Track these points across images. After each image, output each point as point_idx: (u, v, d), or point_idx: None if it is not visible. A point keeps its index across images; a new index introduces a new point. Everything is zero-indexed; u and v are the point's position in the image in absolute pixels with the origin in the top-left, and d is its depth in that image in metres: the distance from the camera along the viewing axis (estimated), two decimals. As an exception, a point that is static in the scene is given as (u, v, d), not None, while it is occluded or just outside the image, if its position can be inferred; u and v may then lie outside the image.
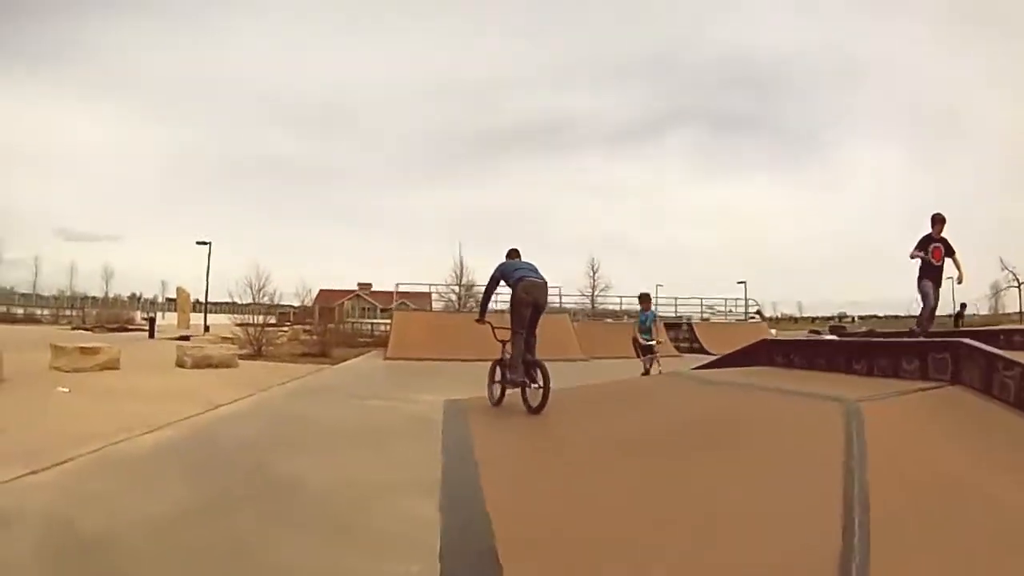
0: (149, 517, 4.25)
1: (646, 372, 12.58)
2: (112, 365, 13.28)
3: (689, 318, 31.63)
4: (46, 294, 59.88)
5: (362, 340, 27.07)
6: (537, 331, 8.75)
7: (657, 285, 38.48)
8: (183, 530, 4.08)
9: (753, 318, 34.31)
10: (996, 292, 62.48)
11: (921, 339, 8.66)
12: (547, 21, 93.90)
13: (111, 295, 64.43)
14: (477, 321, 9.38)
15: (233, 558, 3.67)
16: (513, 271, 8.78)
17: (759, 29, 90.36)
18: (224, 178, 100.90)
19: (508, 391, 8.74)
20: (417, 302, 36.94)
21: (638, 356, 13.35)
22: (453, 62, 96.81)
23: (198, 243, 37.83)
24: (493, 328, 8.93)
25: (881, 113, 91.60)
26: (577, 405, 8.32)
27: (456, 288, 31.67)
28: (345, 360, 18.93)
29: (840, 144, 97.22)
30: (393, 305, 28.88)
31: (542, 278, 8.84)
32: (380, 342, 27.29)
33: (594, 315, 34.65)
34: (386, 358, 20.43)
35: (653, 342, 13.40)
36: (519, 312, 8.54)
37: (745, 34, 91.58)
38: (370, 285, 65.68)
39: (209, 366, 14.39)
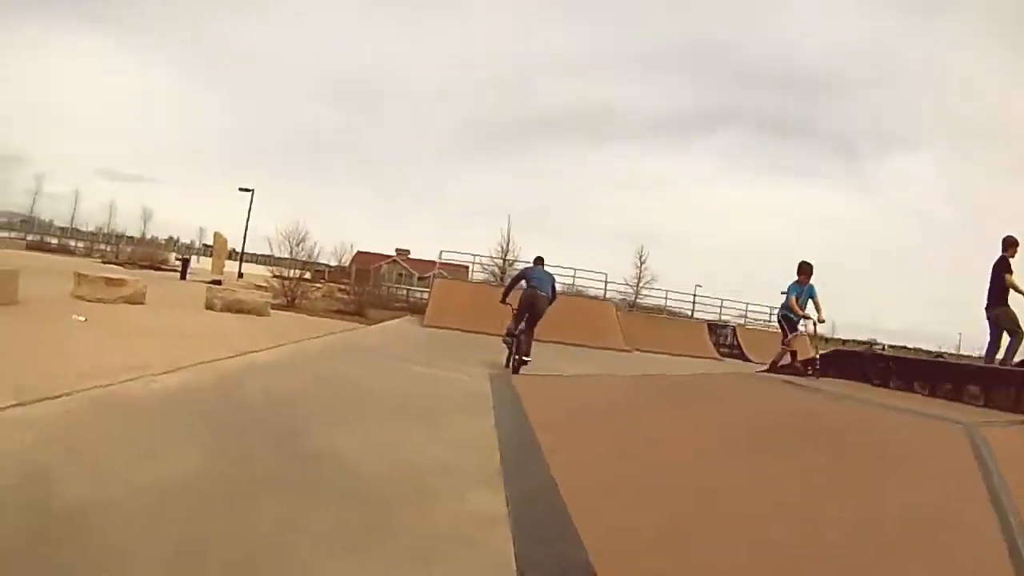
0: (136, 487, 3.19)
1: (790, 364, 10.69)
2: (137, 299, 12.32)
3: (726, 322, 30.20)
4: (85, 230, 59.85)
5: (397, 304, 26.10)
6: (536, 328, 11.27)
7: (696, 285, 37.44)
8: (177, 514, 3.00)
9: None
10: None
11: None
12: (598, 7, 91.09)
13: (148, 236, 64.19)
14: (501, 302, 11.66)
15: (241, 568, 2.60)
16: (532, 277, 11.37)
17: (810, 29, 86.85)
18: (269, 138, 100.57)
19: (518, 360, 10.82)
20: (454, 275, 35.86)
21: (784, 339, 11.62)
22: (499, 47, 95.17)
23: (241, 189, 36.96)
24: (513, 309, 11.30)
25: (925, 122, 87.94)
26: (649, 394, 7.64)
27: (500, 262, 30.24)
28: (380, 322, 17.91)
29: (886, 156, 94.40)
30: (434, 272, 27.74)
31: (547, 291, 11.23)
32: (415, 308, 26.57)
33: (639, 307, 33.04)
34: (424, 324, 19.46)
35: (808, 322, 11.35)
36: (521, 307, 11.14)
37: (793, 34, 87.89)
38: (408, 252, 64.86)
39: (240, 311, 13.40)
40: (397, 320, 19.88)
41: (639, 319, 26.33)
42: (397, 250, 63.79)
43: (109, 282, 12.14)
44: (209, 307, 13.46)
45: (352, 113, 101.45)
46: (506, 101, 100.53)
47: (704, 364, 20.54)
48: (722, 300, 30.00)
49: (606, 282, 28.54)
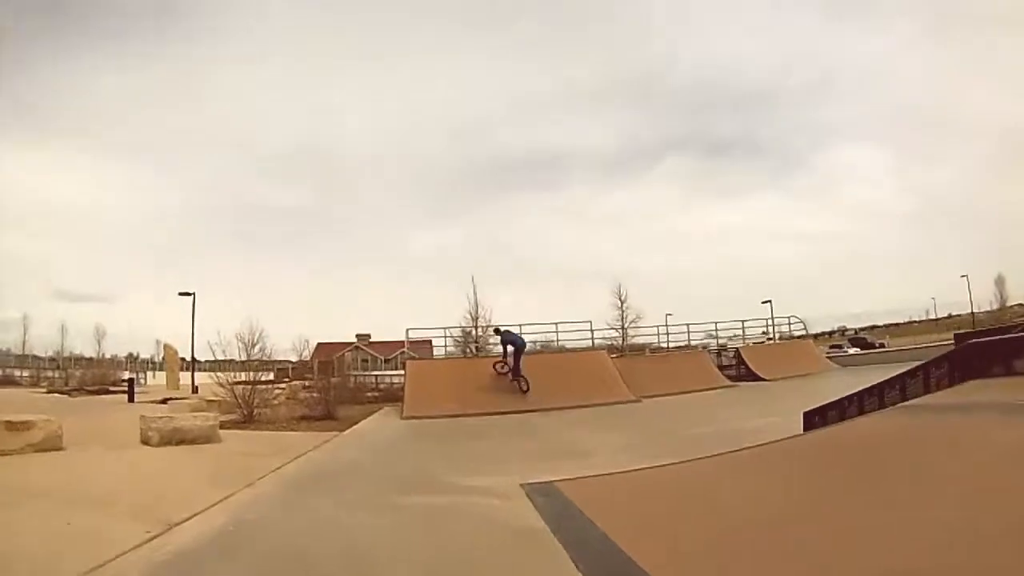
0: None
1: None
2: (50, 444, 9.67)
3: (724, 346, 28.07)
4: (42, 355, 56.13)
5: (368, 395, 23.32)
6: (523, 371, 18.64)
7: (667, 315, 35.19)
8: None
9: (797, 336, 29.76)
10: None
11: None
12: (521, 56, 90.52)
13: (107, 355, 60.54)
14: (496, 363, 19.27)
15: None
16: (510, 340, 19.41)
17: (732, 49, 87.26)
18: (216, 236, 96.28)
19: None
20: (420, 351, 33.12)
21: None
22: (432, 102, 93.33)
23: (180, 294, 34.13)
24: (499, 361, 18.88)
25: (864, 120, 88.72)
26: (773, 483, 5.58)
27: (472, 330, 27.48)
28: (355, 423, 15.17)
29: (824, 156, 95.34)
30: (402, 353, 25.10)
31: (521, 342, 19.57)
32: (389, 396, 23.99)
33: (629, 348, 30.53)
34: (403, 417, 16.72)
35: None
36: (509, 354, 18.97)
37: (719, 55, 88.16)
38: (369, 336, 62.27)
39: (182, 442, 10.73)
40: (373, 416, 17.11)
41: (637, 362, 23.78)
42: (358, 335, 60.92)
43: (10, 427, 9.46)
44: (145, 441, 10.76)
45: (293, 195, 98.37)
46: (448, 158, 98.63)
47: (722, 395, 18.95)
48: (716, 324, 27.78)
49: (592, 330, 25.49)
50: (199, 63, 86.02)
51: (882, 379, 8.43)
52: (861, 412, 8.10)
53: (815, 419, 9.09)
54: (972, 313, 59.05)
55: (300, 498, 7.07)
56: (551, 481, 7.47)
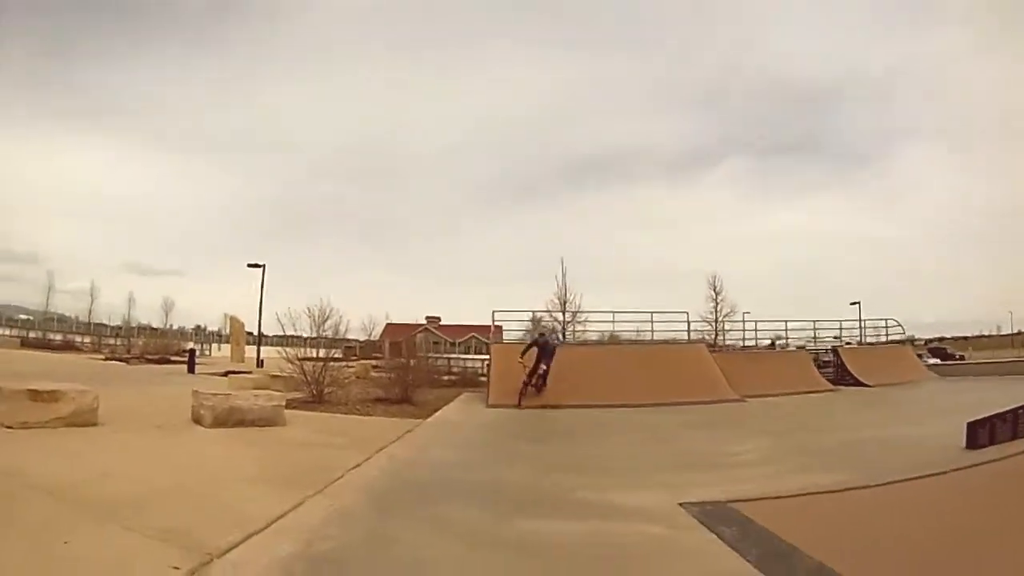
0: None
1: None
2: (83, 419, 7.82)
3: (823, 347, 25.03)
4: (110, 324, 56.18)
5: (444, 379, 21.33)
6: (552, 365, 15.21)
7: (744, 313, 32.06)
8: None
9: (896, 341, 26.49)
10: None
11: None
12: (583, 58, 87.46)
13: (173, 326, 60.42)
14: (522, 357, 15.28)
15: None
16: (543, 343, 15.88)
17: (800, 52, 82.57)
18: (285, 218, 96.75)
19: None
20: (488, 335, 30.96)
21: None
22: (501, 100, 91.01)
23: (250, 266, 32.47)
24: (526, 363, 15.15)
25: (932, 124, 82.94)
26: None
27: (560, 315, 25.05)
28: (436, 409, 13.12)
29: (895, 160, 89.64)
30: (475, 338, 23.02)
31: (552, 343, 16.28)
32: (465, 381, 22.10)
33: (720, 346, 27.15)
34: (489, 404, 14.67)
35: None
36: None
37: (785, 58, 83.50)
38: (439, 319, 60.17)
39: (240, 423, 8.76)
40: (454, 403, 15.03)
41: (736, 359, 20.95)
42: (427, 318, 59.16)
43: (36, 397, 7.60)
44: (196, 420, 8.84)
45: (364, 182, 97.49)
46: (515, 155, 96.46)
47: (831, 399, 16.83)
48: (815, 323, 24.75)
49: (688, 322, 22.35)
50: (271, 61, 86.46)
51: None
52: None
53: (979, 431, 7.84)
54: None
55: (389, 520, 4.83)
56: (725, 502, 5.50)
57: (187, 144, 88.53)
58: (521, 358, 14.82)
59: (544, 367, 14.98)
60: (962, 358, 39.68)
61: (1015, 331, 65.97)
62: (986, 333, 69.13)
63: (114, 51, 79.96)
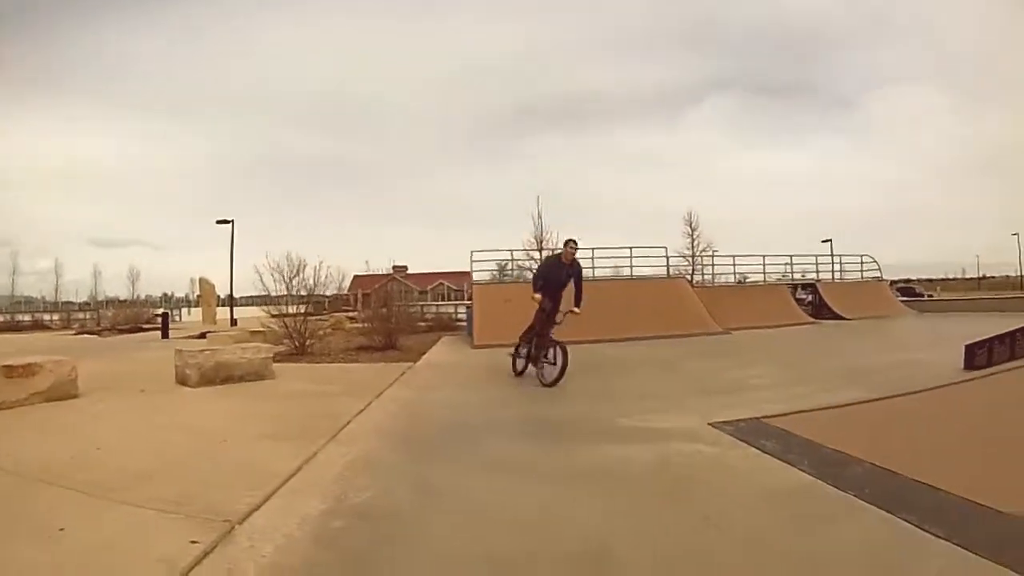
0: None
1: None
2: (62, 392, 7.19)
3: (799, 282, 25.17)
4: (75, 300, 54.39)
5: (422, 325, 20.93)
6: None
7: (713, 251, 31.84)
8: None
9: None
10: None
11: None
12: None
13: (141, 296, 58.88)
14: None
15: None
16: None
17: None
18: (250, 175, 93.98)
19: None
20: (457, 282, 30.38)
21: None
22: (477, 41, 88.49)
23: (218, 222, 31.29)
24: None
25: (915, 65, 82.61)
26: None
27: (537, 254, 24.22)
28: (422, 352, 12.72)
29: (874, 102, 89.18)
30: (469, 283, 22.50)
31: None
32: (442, 325, 21.83)
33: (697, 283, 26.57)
34: (475, 345, 14.25)
35: None
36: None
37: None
38: (405, 268, 59.68)
39: (228, 380, 8.23)
40: (437, 346, 14.62)
41: (717, 293, 20.69)
42: (395, 267, 58.37)
43: (9, 372, 6.93)
44: (182, 381, 8.26)
45: (332, 134, 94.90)
46: (483, 98, 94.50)
47: (815, 330, 17.08)
48: (791, 257, 24.44)
49: (667, 256, 21.09)
50: (229, 14, 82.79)
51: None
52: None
53: (977, 352, 8.02)
54: (1022, 275, 56.02)
55: (422, 465, 4.41)
56: (758, 418, 5.51)
57: (146, 104, 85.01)
58: (536, 294, 8.86)
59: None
60: (930, 296, 40.31)
61: (981, 275, 67.66)
62: (951, 276, 70.89)
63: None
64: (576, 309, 8.78)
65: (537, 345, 8.72)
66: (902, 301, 25.53)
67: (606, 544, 2.90)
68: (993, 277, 65.65)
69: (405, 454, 4.70)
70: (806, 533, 2.94)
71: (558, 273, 8.87)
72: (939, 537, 2.78)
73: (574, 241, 8.83)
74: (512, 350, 9.49)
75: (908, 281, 55.11)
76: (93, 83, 78.42)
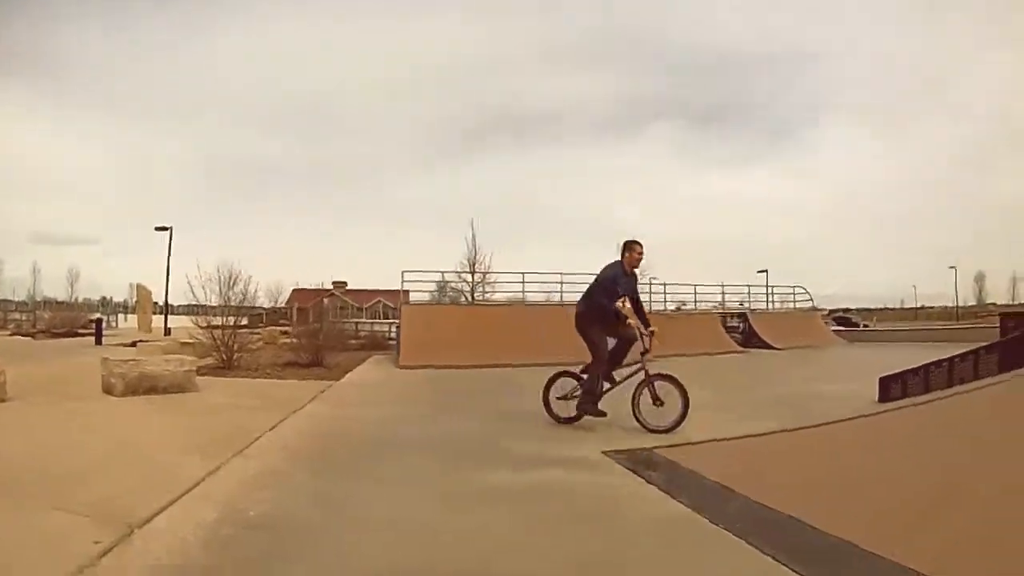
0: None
1: None
2: (-12, 396, 7.38)
3: (732, 311, 25.66)
4: (17, 300, 52.80)
5: (353, 343, 21.12)
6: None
7: (651, 278, 32.54)
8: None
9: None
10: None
11: None
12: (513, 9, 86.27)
13: (80, 299, 57.52)
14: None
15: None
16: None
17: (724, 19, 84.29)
18: (199, 181, 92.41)
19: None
20: (394, 300, 30.60)
21: None
22: (425, 55, 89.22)
23: (157, 229, 31.01)
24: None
25: (854, 95, 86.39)
26: None
27: (470, 277, 24.69)
28: (348, 370, 13.07)
29: (814, 130, 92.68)
30: (381, 303, 22.80)
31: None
32: (373, 344, 21.96)
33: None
34: (400, 365, 14.57)
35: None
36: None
37: (711, 24, 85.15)
38: (345, 284, 59.01)
39: (151, 390, 8.52)
40: (364, 364, 14.95)
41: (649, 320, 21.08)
42: (334, 283, 58.03)
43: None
44: (107, 390, 8.52)
45: (278, 144, 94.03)
46: (434, 111, 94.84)
47: (744, 360, 17.75)
48: (723, 286, 25.21)
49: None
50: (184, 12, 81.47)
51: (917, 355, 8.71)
52: (951, 383, 7.35)
53: (892, 386, 8.29)
54: (956, 306, 58.90)
55: (318, 476, 4.88)
56: (649, 448, 5.74)
57: (92, 102, 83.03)
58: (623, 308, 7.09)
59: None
60: (866, 327, 41.54)
61: (919, 305, 70.59)
62: (890, 306, 73.63)
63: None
64: (655, 328, 7.10)
65: (610, 376, 7.17)
66: (837, 331, 26.56)
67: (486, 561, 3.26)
68: (932, 308, 68.25)
69: (308, 469, 5.09)
70: (670, 564, 3.25)
71: (628, 284, 7.15)
72: (798, 574, 2.92)
73: (640, 244, 7.08)
74: (552, 390, 7.48)
75: (847, 311, 57.13)
76: (32, 74, 76.16)
